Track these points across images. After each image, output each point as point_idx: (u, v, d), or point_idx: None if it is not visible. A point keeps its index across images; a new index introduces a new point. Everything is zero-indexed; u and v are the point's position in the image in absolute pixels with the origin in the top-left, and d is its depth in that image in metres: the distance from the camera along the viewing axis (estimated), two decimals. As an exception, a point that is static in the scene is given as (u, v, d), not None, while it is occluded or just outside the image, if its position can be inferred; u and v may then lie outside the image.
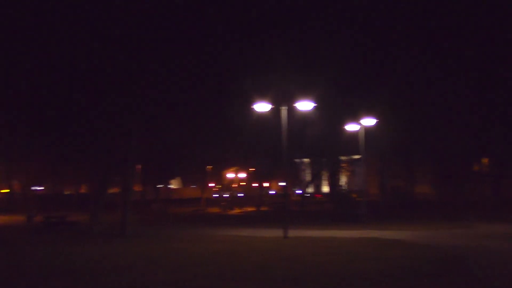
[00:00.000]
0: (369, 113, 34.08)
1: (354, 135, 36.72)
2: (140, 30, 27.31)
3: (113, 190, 48.02)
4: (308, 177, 65.31)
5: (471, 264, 14.52)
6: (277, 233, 25.13)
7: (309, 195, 70.46)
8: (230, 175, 79.62)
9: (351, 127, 34.93)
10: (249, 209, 61.78)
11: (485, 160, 59.45)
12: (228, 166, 75.25)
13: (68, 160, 48.13)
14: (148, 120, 30.92)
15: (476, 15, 41.39)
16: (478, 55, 43.19)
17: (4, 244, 23.83)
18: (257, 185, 77.84)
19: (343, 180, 64.38)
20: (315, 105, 25.68)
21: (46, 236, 27.67)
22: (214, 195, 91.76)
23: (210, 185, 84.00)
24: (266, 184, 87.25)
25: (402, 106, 45.37)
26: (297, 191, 68.85)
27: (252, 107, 25.62)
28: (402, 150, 52.12)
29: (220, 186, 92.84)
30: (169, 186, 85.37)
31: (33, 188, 76.51)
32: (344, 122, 35.84)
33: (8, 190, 74.36)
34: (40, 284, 12.69)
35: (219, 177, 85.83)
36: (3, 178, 72.67)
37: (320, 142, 48.56)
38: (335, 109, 42.41)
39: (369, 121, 33.56)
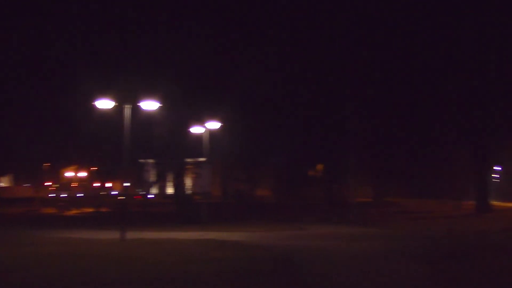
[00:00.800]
0: (214, 116, 34.63)
1: (199, 137, 37.03)
2: None
3: None
4: (153, 178, 64.43)
5: (301, 263, 15.33)
6: (114, 235, 24.24)
7: (153, 196, 69.49)
8: (69, 173, 75.34)
9: (196, 129, 35.18)
10: (88, 210, 58.98)
11: (320, 166, 64.04)
12: (67, 164, 71.13)
13: None
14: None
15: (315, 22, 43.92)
16: (318, 67, 46.07)
17: None
18: (98, 185, 74.74)
19: (188, 182, 64.63)
20: (160, 105, 25.37)
21: None
22: (50, 195, 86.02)
23: (46, 184, 78.56)
24: (108, 184, 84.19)
25: (246, 111, 46.96)
26: (140, 192, 67.48)
27: (93, 104, 24.48)
28: (244, 154, 53.91)
29: (57, 185, 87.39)
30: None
31: None
32: (190, 124, 36.00)
33: None
34: None
35: (57, 176, 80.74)
36: None
37: (166, 143, 48.23)
38: (182, 111, 42.46)
39: (214, 125, 34.11)
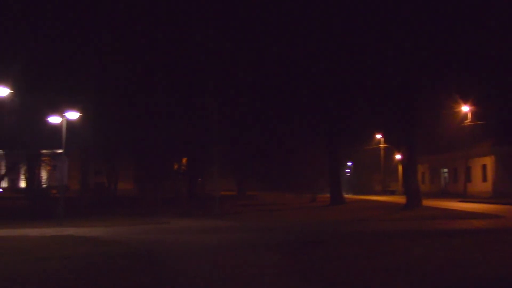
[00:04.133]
0: (73, 106, 32.84)
1: (58, 128, 34.89)
2: None
3: None
4: (2, 170, 59.54)
5: (158, 257, 15.21)
6: None
7: (1, 190, 64.26)
8: None
9: (54, 119, 33.08)
10: None
11: (184, 160, 64.04)
12: None
13: None
14: None
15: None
16: (182, 56, 45.61)
17: None
18: None
19: (43, 175, 60.72)
20: (10, 91, 23.49)
21: None
22: None
23: None
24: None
25: (107, 102, 45.32)
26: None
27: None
28: (105, 147, 52.06)
29: None
30: None
31: None
32: (46, 113, 33.77)
33: None
34: None
35: None
36: None
37: (17, 132, 44.80)
38: (37, 99, 39.71)
39: (73, 115, 32.33)
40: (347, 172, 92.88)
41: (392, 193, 74.77)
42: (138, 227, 27.88)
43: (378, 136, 75.17)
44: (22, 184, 69.47)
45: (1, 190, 64.47)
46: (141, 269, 13.27)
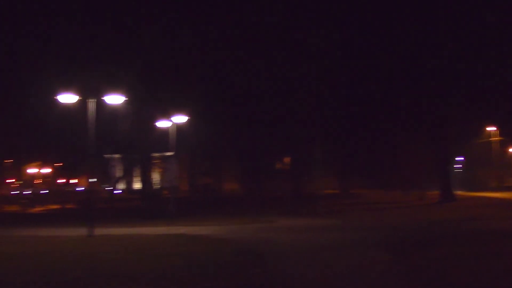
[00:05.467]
0: (180, 110, 34.34)
1: (166, 131, 36.70)
2: None
3: None
4: (118, 173, 63.54)
5: (269, 255, 15.41)
6: (81, 231, 23.89)
7: (120, 191, 68.65)
8: (32, 170, 73.70)
9: (162, 123, 34.85)
10: (53, 206, 57.90)
11: (287, 159, 64.43)
12: (30, 160, 69.57)
13: None
14: None
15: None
16: (282, 56, 45.96)
17: None
18: (63, 181, 73.39)
19: (155, 176, 63.98)
20: (125, 99, 25.04)
21: None
22: (13, 192, 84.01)
23: (8, 180, 76.68)
24: (74, 180, 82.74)
25: (212, 104, 46.78)
26: (106, 188, 66.52)
27: (55, 98, 23.99)
28: (211, 148, 53.78)
29: (20, 182, 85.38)
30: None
31: None
32: (156, 118, 35.63)
33: None
34: None
35: (19, 172, 78.89)
36: None
37: (131, 138, 47.65)
38: (147, 105, 41.99)
39: (181, 118, 33.83)
40: (458, 168, 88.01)
41: (509, 189, 69.87)
42: (245, 225, 28.41)
43: (490, 128, 70.62)
44: (136, 186, 73.81)
45: (120, 191, 68.97)
46: (251, 266, 13.53)
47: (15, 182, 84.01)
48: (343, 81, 45.29)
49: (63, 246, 19.32)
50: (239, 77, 44.63)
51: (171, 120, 34.12)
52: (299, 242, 19.33)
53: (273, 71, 45.50)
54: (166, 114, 34.55)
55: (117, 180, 62.39)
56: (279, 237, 21.33)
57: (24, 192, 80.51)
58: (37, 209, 55.71)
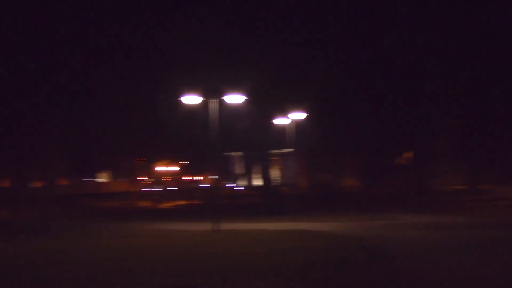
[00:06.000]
0: (298, 107, 34.52)
1: (284, 128, 37.14)
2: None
3: (37, 184, 46.09)
4: (238, 170, 65.55)
5: (395, 253, 14.98)
6: (206, 226, 25.01)
7: (243, 188, 70.73)
8: (161, 168, 78.49)
9: (281, 120, 35.30)
10: (181, 202, 61.11)
11: (409, 154, 62.04)
12: (159, 159, 74.16)
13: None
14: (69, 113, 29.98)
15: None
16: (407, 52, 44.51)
17: None
18: (189, 178, 77.31)
19: (274, 173, 65.10)
20: (247, 98, 25.70)
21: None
22: (145, 189, 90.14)
23: (140, 178, 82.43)
24: (198, 178, 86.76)
25: (332, 100, 46.44)
26: (227, 185, 68.94)
27: (179, 99, 25.32)
28: (330, 144, 53.41)
29: (152, 180, 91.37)
30: (97, 180, 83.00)
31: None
32: (274, 116, 36.16)
33: None
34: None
35: (150, 170, 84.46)
36: None
37: (251, 135, 48.89)
38: (266, 103, 42.78)
39: (299, 115, 34.01)
40: None
41: None
42: (367, 222, 27.83)
43: None
44: (256, 182, 75.63)
45: (243, 188, 71.14)
46: (378, 264, 13.21)
47: (147, 180, 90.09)
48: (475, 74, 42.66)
49: (192, 240, 20.35)
50: (360, 71, 43.90)
51: (289, 117, 34.42)
52: (426, 240, 18.57)
53: (391, 64, 44.17)
54: (284, 111, 34.93)
55: (238, 177, 64.36)
56: (404, 234, 20.61)
57: (155, 189, 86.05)
58: (166, 204, 59.13)
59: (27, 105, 28.09)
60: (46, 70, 27.06)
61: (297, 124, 35.21)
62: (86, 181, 70.94)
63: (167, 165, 77.00)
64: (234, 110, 35.92)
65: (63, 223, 31.26)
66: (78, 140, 40.96)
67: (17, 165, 31.94)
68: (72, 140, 38.12)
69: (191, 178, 78.94)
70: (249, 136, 49.00)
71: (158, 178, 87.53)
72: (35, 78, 27.40)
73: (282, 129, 38.38)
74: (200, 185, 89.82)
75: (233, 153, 66.17)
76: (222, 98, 25.35)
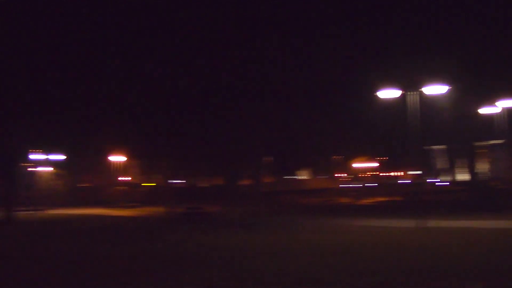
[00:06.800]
0: (509, 93, 31.31)
1: (492, 118, 34.14)
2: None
3: (245, 182, 49.70)
4: (441, 164, 62.08)
5: None
6: (409, 223, 24.24)
7: (448, 183, 66.86)
8: (359, 164, 78.37)
9: (488, 109, 32.47)
10: (381, 199, 60.12)
11: None
12: (357, 155, 74.16)
13: (201, 155, 51.01)
14: (274, 114, 31.65)
15: None
16: None
17: (149, 233, 25.68)
18: (388, 174, 75.82)
19: (481, 167, 60.13)
20: (449, 88, 24.19)
21: (186, 226, 29.19)
22: (343, 185, 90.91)
23: (339, 175, 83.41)
24: (397, 173, 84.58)
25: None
26: (429, 180, 65.72)
27: (376, 94, 24.94)
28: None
29: (350, 176, 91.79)
30: (298, 177, 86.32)
31: (173, 181, 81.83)
32: (480, 104, 33.35)
33: (153, 184, 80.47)
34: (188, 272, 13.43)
35: (348, 167, 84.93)
36: (148, 173, 79.02)
37: (454, 127, 45.82)
38: (469, 91, 39.67)
39: (510, 103, 30.87)
40: None
41: None
42: None
43: None
44: (461, 177, 70.73)
45: (447, 183, 67.32)
46: None
47: (345, 176, 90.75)
48: None
49: (396, 237, 19.90)
50: None
51: (497, 105, 31.50)
52: None
53: None
54: (492, 99, 32.04)
55: (440, 171, 61.00)
56: None
57: (353, 185, 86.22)
58: (366, 201, 58.72)
59: (233, 111, 30.52)
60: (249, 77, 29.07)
61: (509, 112, 32.04)
62: (288, 179, 74.20)
63: (365, 161, 76.54)
64: (435, 101, 34.16)
65: (269, 218, 33.09)
66: (280, 140, 43.07)
67: (230, 166, 34.90)
68: (275, 141, 40.24)
69: (390, 174, 77.18)
70: (452, 127, 45.93)
71: (356, 175, 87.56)
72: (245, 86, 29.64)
73: (489, 118, 35.31)
74: (399, 181, 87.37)
75: (434, 147, 62.84)
76: (421, 90, 24.30)
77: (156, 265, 14.44)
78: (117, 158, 67.71)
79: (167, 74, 32.07)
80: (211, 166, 63.41)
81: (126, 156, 67.67)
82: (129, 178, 79.71)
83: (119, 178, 76.25)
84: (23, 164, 59.88)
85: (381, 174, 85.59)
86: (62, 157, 65.95)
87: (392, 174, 73.25)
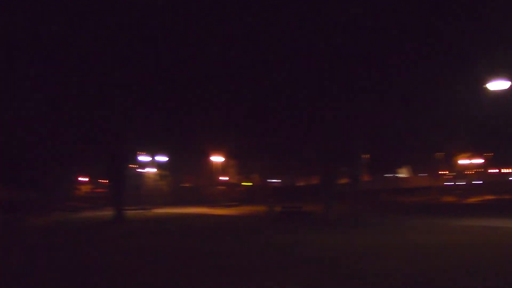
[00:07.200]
0: None
1: None
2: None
3: (343, 181, 49.16)
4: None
5: None
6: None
7: None
8: (463, 161, 74.62)
9: None
10: (489, 197, 56.97)
11: None
12: (461, 151, 70.67)
13: (297, 154, 51.13)
14: (372, 110, 31.03)
15: None
16: None
17: (250, 231, 26.21)
18: (496, 171, 71.50)
19: None
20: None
21: (286, 225, 29.47)
22: (446, 183, 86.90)
23: (441, 172, 79.93)
24: (507, 170, 79.64)
25: None
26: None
27: (484, 86, 23.59)
28: None
29: (453, 174, 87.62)
30: (397, 175, 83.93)
31: (270, 180, 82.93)
32: None
33: (250, 183, 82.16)
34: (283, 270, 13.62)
35: (451, 164, 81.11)
36: (245, 172, 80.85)
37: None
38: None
39: None
40: None
41: None
42: None
43: None
44: None
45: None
46: None
47: (448, 174, 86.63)
48: None
49: (505, 238, 18.79)
50: None
51: None
52: None
53: None
54: None
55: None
56: None
57: (458, 183, 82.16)
58: (472, 199, 55.96)
59: (330, 109, 30.23)
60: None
61: None
62: (387, 177, 72.38)
63: (470, 157, 72.64)
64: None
65: (370, 217, 32.49)
66: (380, 136, 42.12)
67: (327, 164, 34.69)
68: (374, 137, 39.41)
69: (498, 170, 72.60)
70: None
71: (460, 172, 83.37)
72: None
73: None
74: (509, 178, 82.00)
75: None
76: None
77: (263, 262, 14.71)
78: (216, 159, 69.94)
79: (266, 75, 32.46)
80: (308, 164, 63.40)
81: (224, 157, 69.70)
82: (227, 178, 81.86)
83: (219, 178, 78.55)
84: (132, 166, 63.59)
85: (488, 170, 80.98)
86: (166, 158, 69.26)
87: (500, 170, 68.83)
